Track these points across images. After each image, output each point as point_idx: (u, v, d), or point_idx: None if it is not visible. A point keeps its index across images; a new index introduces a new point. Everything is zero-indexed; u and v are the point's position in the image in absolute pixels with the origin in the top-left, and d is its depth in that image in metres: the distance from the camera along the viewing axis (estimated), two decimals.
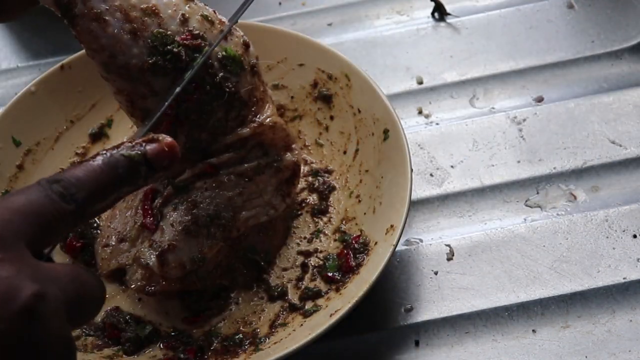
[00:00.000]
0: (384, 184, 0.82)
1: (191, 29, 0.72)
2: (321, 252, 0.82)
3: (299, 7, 1.09)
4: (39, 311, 0.50)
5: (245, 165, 0.78)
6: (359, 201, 0.84)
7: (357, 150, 0.88)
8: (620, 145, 0.90)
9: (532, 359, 0.75)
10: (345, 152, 0.89)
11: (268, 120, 0.78)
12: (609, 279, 0.80)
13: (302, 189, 0.87)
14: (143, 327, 0.78)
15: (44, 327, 0.50)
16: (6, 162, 0.88)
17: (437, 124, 0.94)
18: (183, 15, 0.72)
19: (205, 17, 0.73)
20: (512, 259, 0.82)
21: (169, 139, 0.60)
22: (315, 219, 0.85)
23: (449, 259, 0.82)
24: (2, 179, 0.87)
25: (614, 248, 0.82)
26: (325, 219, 0.85)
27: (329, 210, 0.86)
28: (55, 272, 0.52)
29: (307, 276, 0.81)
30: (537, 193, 0.87)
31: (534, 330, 0.77)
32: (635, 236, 0.83)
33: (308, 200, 0.86)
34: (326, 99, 0.91)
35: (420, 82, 0.98)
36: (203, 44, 0.72)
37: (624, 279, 0.80)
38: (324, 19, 1.07)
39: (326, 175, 0.88)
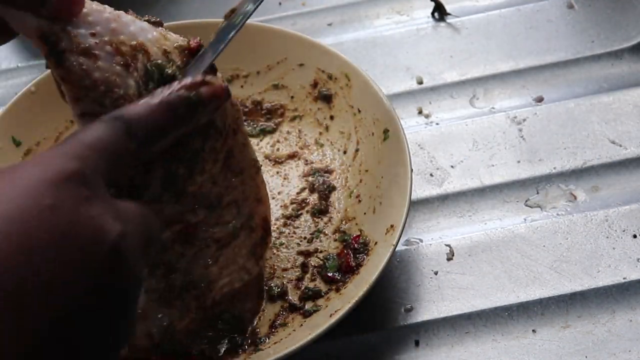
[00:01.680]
0: (384, 184, 0.82)
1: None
2: (321, 252, 0.82)
3: (299, 7, 1.09)
4: (124, 250, 0.50)
5: (223, 230, 0.75)
6: (359, 201, 0.84)
7: (357, 150, 0.88)
8: (620, 145, 0.90)
9: (532, 359, 0.75)
10: (345, 152, 0.89)
11: (238, 170, 0.76)
12: (609, 279, 0.80)
13: (302, 189, 0.87)
14: None
15: (128, 266, 0.50)
16: (6, 162, 0.88)
17: (437, 124, 0.94)
18: (165, 50, 0.71)
19: (181, 49, 0.72)
20: (512, 259, 0.82)
21: (219, 81, 0.63)
22: (315, 219, 0.85)
23: (449, 259, 0.83)
24: None
25: (614, 248, 0.82)
26: (325, 219, 0.85)
27: (329, 210, 0.86)
28: (130, 211, 0.53)
29: (307, 276, 0.81)
30: (537, 193, 0.87)
31: (534, 330, 0.77)
32: (635, 236, 0.83)
33: (308, 200, 0.86)
34: (326, 99, 0.92)
35: (420, 82, 0.98)
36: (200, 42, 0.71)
37: (624, 279, 0.80)
38: (324, 19, 1.07)
39: (326, 175, 0.88)
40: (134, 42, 0.69)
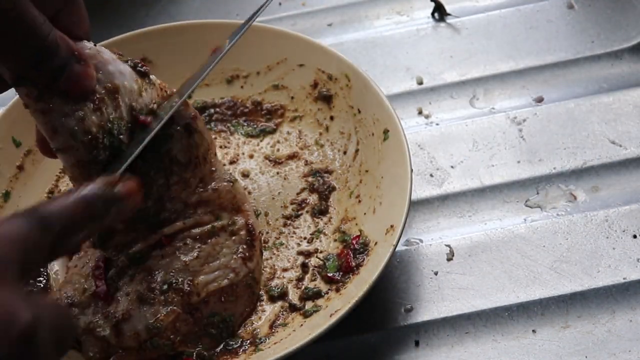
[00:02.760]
0: (384, 184, 0.82)
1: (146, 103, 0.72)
2: (321, 252, 0.82)
3: (299, 7, 1.09)
4: (35, 337, 0.50)
5: (199, 229, 0.77)
6: (359, 201, 0.84)
7: (357, 151, 0.88)
8: (620, 145, 0.90)
9: (532, 359, 0.75)
10: (345, 152, 0.89)
11: (211, 185, 0.78)
12: (609, 279, 0.80)
13: (302, 189, 0.87)
14: None
15: (38, 352, 0.51)
16: (6, 162, 0.88)
17: (437, 124, 0.94)
18: (132, 107, 0.72)
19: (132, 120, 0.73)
20: (512, 259, 0.82)
21: (133, 180, 0.65)
22: (315, 219, 0.85)
23: (449, 259, 0.83)
24: (3, 179, 0.87)
25: (614, 248, 0.82)
26: (325, 219, 0.85)
27: (329, 210, 0.86)
28: (41, 301, 0.55)
29: (307, 276, 0.81)
30: (537, 193, 0.87)
31: (534, 331, 0.77)
32: (635, 236, 0.83)
33: (308, 201, 0.86)
34: (326, 99, 0.91)
35: (420, 83, 0.98)
36: (151, 121, 0.72)
37: (624, 279, 0.80)
38: (324, 19, 1.07)
39: (326, 175, 0.88)
40: (108, 84, 0.70)
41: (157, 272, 0.75)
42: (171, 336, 0.74)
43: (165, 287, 0.75)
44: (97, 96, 0.69)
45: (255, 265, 0.79)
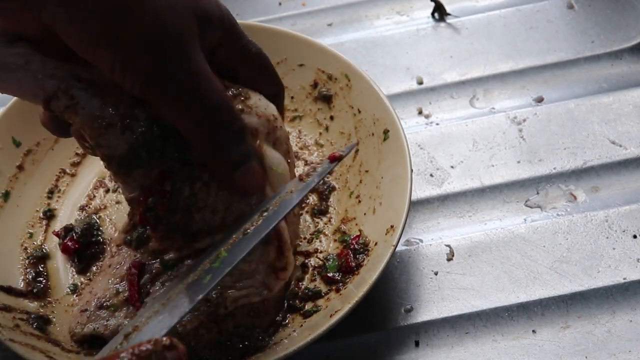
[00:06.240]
0: (384, 184, 0.82)
1: None
2: (321, 252, 0.82)
3: (299, 7, 1.09)
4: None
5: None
6: (359, 201, 0.84)
7: (357, 151, 0.88)
8: (620, 146, 0.90)
9: (532, 359, 0.75)
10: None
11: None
12: (609, 279, 0.80)
13: None
14: None
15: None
16: (6, 162, 0.88)
17: (437, 124, 0.94)
18: None
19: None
20: (512, 259, 0.82)
21: (181, 348, 0.59)
22: (315, 219, 0.85)
23: (449, 259, 0.83)
24: (2, 179, 0.87)
25: (614, 248, 0.82)
26: (325, 219, 0.85)
27: (329, 210, 0.86)
28: None
29: (307, 277, 0.81)
30: (537, 193, 0.87)
31: (534, 331, 0.77)
32: (635, 236, 0.83)
33: (308, 201, 0.86)
34: (326, 99, 0.91)
35: (420, 82, 0.98)
36: None
37: (624, 279, 0.80)
38: (324, 19, 1.07)
39: (326, 175, 0.88)
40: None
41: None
42: (192, 343, 0.73)
43: None
44: None
45: (287, 275, 0.76)
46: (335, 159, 0.77)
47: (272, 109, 0.75)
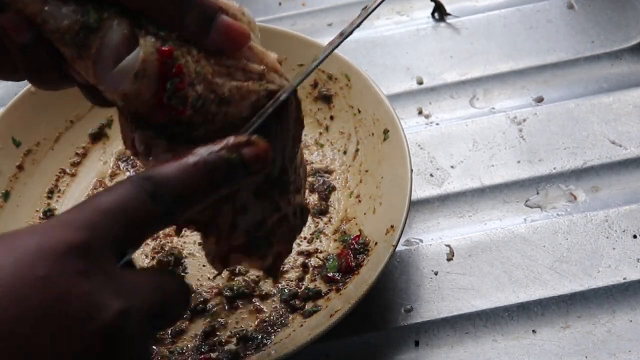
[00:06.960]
0: (384, 184, 0.82)
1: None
2: (321, 252, 0.82)
3: (299, 7, 1.09)
4: (123, 330, 0.46)
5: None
6: (359, 201, 0.84)
7: (357, 150, 0.88)
8: (620, 145, 0.90)
9: (532, 359, 0.75)
10: (345, 152, 0.89)
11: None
12: (609, 279, 0.80)
13: None
14: None
15: (126, 347, 0.46)
16: (6, 162, 0.88)
17: (437, 124, 0.94)
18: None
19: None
20: (512, 259, 0.82)
21: (263, 142, 0.55)
22: (315, 219, 0.85)
23: (449, 259, 0.83)
24: (2, 179, 0.87)
25: (614, 248, 0.82)
26: (325, 219, 0.85)
27: (329, 210, 0.86)
28: (138, 283, 0.49)
29: (307, 276, 0.81)
30: (537, 193, 0.87)
31: (534, 331, 0.77)
32: (635, 236, 0.83)
33: (308, 201, 0.86)
34: (326, 99, 0.92)
35: (420, 82, 0.98)
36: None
37: (624, 279, 0.80)
38: (324, 19, 1.07)
39: (326, 175, 0.88)
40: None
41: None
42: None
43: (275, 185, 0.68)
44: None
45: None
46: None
47: None
